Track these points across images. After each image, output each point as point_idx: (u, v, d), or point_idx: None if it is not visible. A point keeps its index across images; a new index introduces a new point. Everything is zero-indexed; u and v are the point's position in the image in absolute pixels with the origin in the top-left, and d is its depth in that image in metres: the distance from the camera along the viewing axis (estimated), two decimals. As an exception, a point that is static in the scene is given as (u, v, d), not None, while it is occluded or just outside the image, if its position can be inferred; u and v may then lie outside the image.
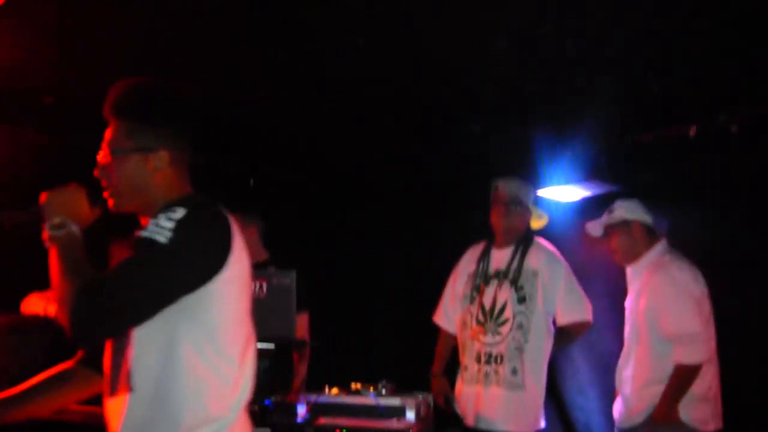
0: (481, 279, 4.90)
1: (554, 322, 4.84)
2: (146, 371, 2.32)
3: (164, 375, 2.30)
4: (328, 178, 7.08)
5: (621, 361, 4.68)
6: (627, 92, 4.89)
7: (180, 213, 2.29)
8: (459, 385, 4.88)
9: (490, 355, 4.69)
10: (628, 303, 4.70)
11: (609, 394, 4.92)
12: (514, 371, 4.64)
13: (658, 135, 5.53)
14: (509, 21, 4.00)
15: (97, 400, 4.58)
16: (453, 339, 5.07)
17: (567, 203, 6.36)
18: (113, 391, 2.43)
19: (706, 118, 5.25)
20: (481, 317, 4.80)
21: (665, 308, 4.43)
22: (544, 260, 4.80)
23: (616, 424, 4.67)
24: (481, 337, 4.76)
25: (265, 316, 4.02)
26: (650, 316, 4.48)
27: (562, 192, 6.14)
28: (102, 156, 2.58)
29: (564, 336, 4.87)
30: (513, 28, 4.05)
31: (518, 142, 5.74)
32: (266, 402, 4.22)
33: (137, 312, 2.26)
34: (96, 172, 2.57)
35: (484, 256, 4.98)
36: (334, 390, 4.19)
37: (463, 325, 4.92)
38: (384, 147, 6.24)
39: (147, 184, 2.52)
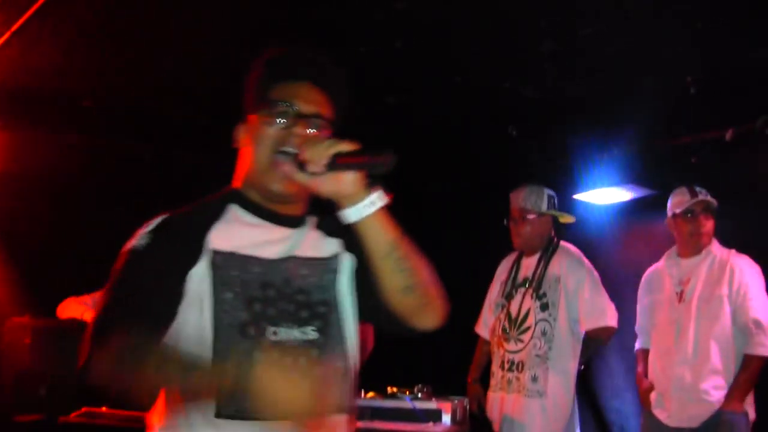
0: (511, 287, 4.90)
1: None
2: None
3: None
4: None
5: (679, 356, 4.59)
6: (665, 96, 4.86)
7: None
8: (489, 392, 4.88)
9: (512, 363, 4.70)
10: (692, 293, 4.62)
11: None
12: (534, 378, 4.61)
13: (695, 138, 5.50)
14: (548, 24, 3.99)
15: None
16: (490, 347, 5.07)
17: (604, 206, 6.32)
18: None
19: (743, 122, 5.20)
20: (506, 325, 4.81)
21: (754, 295, 4.48)
22: (567, 265, 4.73)
23: (673, 423, 4.60)
24: (505, 344, 4.77)
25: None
26: (736, 302, 4.49)
27: (600, 195, 6.11)
28: None
29: (591, 343, 4.78)
30: (552, 31, 4.04)
31: (556, 145, 5.72)
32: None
33: None
34: None
35: (515, 264, 4.98)
36: (370, 393, 4.18)
37: (493, 332, 4.94)
38: (422, 149, 6.25)
39: None
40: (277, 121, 2.05)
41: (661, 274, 4.84)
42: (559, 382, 4.62)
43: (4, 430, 4.83)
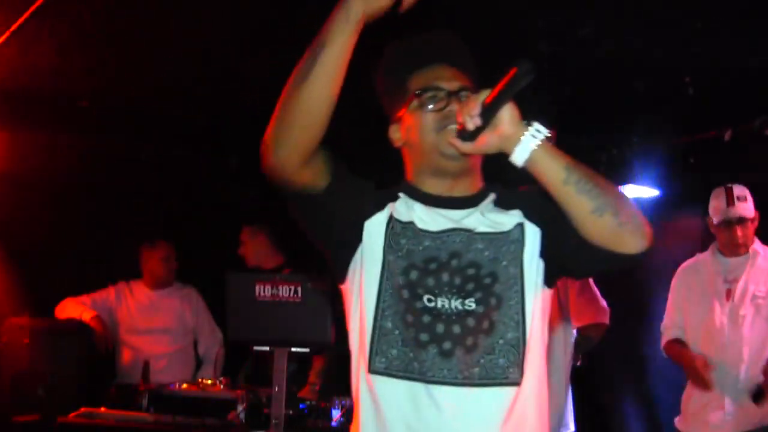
0: None
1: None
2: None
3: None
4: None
5: (733, 356, 4.48)
6: (663, 96, 4.86)
7: None
8: None
9: None
10: (743, 292, 4.52)
11: (646, 397, 4.85)
12: None
13: (693, 138, 5.49)
14: (546, 24, 3.99)
15: (127, 405, 4.61)
16: None
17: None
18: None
19: (742, 123, 5.20)
20: None
21: None
22: None
23: (731, 427, 4.48)
24: None
25: (300, 320, 4.03)
26: None
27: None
28: None
29: (582, 340, 4.87)
30: (550, 31, 4.04)
31: (555, 146, 5.71)
32: (301, 406, 4.23)
33: None
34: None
35: None
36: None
37: None
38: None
39: None
40: (431, 106, 2.09)
41: (704, 268, 4.73)
42: (554, 377, 4.62)
43: (2, 431, 4.82)
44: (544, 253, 2.07)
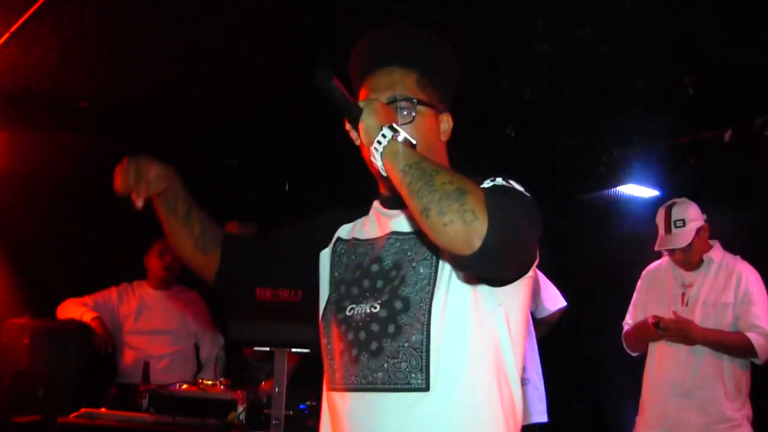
0: None
1: (533, 315, 5.12)
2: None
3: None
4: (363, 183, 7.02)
5: (679, 360, 4.53)
6: (663, 96, 4.86)
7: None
8: None
9: None
10: (695, 297, 4.57)
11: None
12: None
13: (693, 139, 5.49)
14: (546, 24, 3.99)
15: (126, 407, 4.60)
16: None
17: (601, 207, 6.33)
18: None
19: (742, 123, 5.20)
20: None
21: (757, 302, 4.43)
22: None
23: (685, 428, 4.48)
24: None
25: (300, 320, 4.03)
26: (740, 310, 4.43)
27: (597, 197, 6.12)
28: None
29: (544, 325, 5.22)
30: (550, 31, 4.04)
31: (555, 146, 5.72)
32: (301, 406, 4.23)
33: (533, 250, 1.89)
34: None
35: None
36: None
37: None
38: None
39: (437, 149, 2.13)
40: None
41: (665, 272, 4.79)
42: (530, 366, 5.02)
43: (2, 431, 4.82)
44: None
